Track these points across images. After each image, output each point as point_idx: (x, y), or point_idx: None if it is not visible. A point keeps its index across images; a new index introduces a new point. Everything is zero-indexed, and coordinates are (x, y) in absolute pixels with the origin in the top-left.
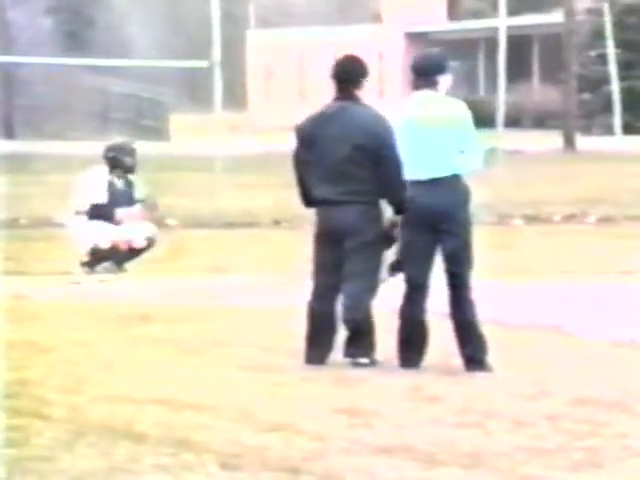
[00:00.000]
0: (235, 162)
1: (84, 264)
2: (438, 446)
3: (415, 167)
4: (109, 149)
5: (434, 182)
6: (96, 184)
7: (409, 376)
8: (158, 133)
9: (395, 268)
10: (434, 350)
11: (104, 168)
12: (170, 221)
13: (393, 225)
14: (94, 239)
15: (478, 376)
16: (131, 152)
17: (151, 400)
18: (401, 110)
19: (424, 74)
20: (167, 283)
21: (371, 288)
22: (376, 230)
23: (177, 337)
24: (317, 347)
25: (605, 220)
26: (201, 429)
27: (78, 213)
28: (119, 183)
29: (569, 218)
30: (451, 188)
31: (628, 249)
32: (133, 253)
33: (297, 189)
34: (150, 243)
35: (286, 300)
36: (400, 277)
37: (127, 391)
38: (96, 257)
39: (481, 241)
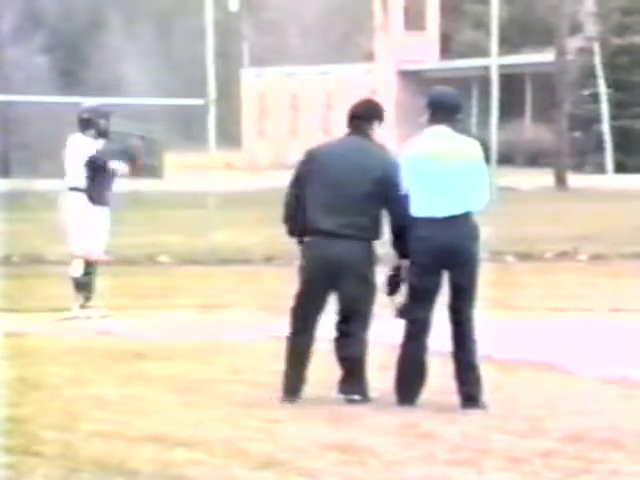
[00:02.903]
0: (228, 199)
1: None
2: None
3: (430, 204)
4: (84, 110)
5: (449, 220)
6: (82, 143)
7: (403, 413)
8: (152, 171)
9: (403, 312)
10: (430, 387)
11: (78, 134)
12: (163, 258)
13: (398, 269)
14: (86, 248)
15: (472, 413)
16: (105, 115)
17: (144, 437)
18: (416, 145)
19: (440, 110)
20: (160, 319)
21: (367, 326)
22: (373, 267)
23: (171, 374)
24: (297, 381)
25: (597, 258)
26: (194, 465)
27: (72, 189)
28: (96, 144)
29: (561, 255)
30: (465, 225)
31: (619, 287)
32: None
33: (286, 214)
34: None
35: (278, 336)
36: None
37: (120, 428)
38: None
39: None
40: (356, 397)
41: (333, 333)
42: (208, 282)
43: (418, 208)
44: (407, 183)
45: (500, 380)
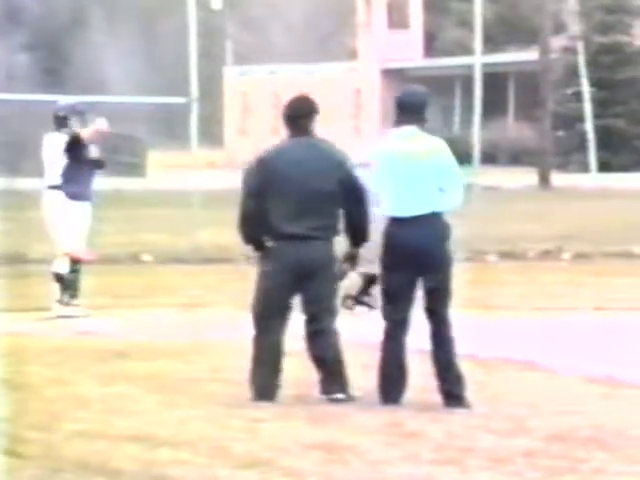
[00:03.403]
0: (211, 198)
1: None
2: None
3: (397, 204)
4: (59, 109)
5: (417, 219)
6: (56, 141)
7: (387, 412)
8: (135, 169)
9: (358, 301)
10: (414, 386)
11: (54, 132)
12: (146, 257)
13: (351, 257)
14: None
15: (456, 412)
16: (81, 113)
17: (127, 436)
18: (383, 145)
19: (409, 110)
20: (143, 319)
21: (336, 323)
22: (335, 264)
23: (153, 373)
24: (268, 380)
25: (580, 257)
26: (177, 465)
27: (51, 187)
28: (69, 138)
29: (544, 254)
30: (433, 225)
31: (603, 285)
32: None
33: (242, 223)
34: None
35: None
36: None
37: (102, 427)
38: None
39: (456, 276)
40: (339, 396)
41: (303, 332)
42: (190, 281)
43: (387, 208)
44: (376, 183)
45: (483, 379)
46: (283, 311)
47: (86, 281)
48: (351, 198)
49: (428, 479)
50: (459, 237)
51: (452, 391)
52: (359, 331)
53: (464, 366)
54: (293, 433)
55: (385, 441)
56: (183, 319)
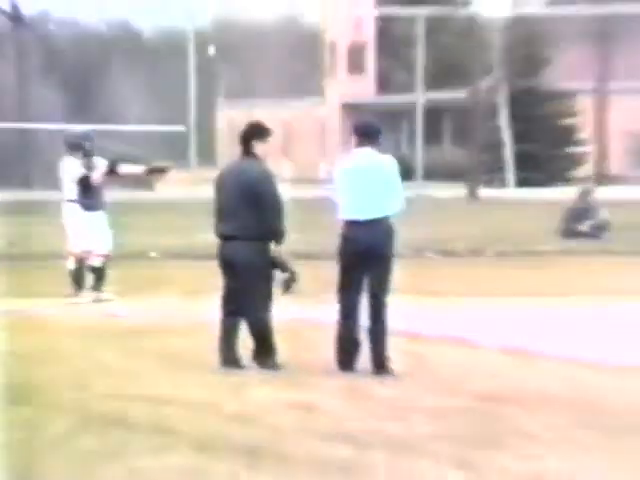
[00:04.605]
0: (207, 207)
1: (74, 280)
2: (372, 434)
3: (354, 209)
4: (72, 135)
5: (369, 222)
6: (68, 165)
7: (347, 379)
8: (145, 183)
9: (288, 286)
10: (364, 357)
11: (69, 157)
12: (153, 254)
13: (276, 254)
14: (84, 244)
15: (401, 379)
16: (90, 138)
17: (141, 397)
18: (346, 162)
19: (366, 135)
20: (152, 304)
21: (266, 306)
22: (262, 260)
23: (162, 347)
24: (229, 352)
25: (502, 254)
26: (180, 420)
27: (69, 201)
28: (84, 162)
29: (472, 252)
30: (381, 227)
31: (520, 277)
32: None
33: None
34: (106, 260)
35: None
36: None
37: (122, 390)
38: (76, 276)
39: (401, 270)
40: (267, 363)
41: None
42: (190, 274)
43: (346, 212)
44: (339, 192)
45: (422, 352)
46: (233, 297)
47: (110, 273)
48: (263, 206)
49: (381, 431)
50: (404, 238)
51: (380, 361)
52: (322, 312)
53: (406, 342)
54: (274, 394)
55: (347, 401)
56: (184, 304)
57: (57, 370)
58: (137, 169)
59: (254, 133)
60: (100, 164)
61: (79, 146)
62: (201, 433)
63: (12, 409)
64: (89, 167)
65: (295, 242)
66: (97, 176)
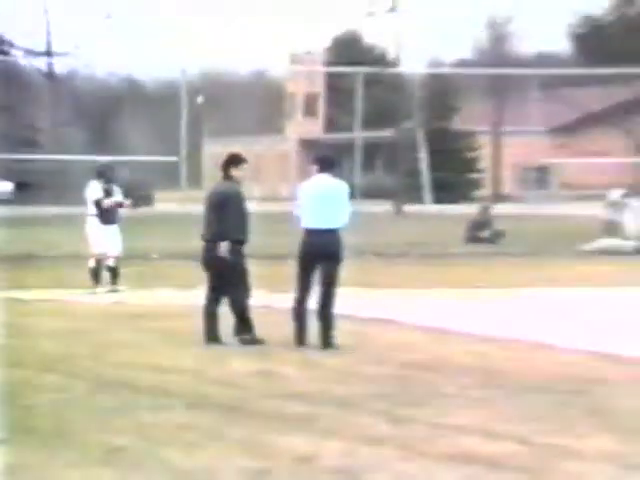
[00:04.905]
0: (195, 219)
1: (92, 277)
2: (321, 394)
3: (315, 220)
4: (100, 165)
5: (325, 231)
6: (92, 189)
7: (301, 352)
8: (147, 200)
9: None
10: (315, 335)
11: (94, 182)
12: (154, 255)
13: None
14: (102, 247)
15: (343, 351)
16: (112, 168)
17: (146, 366)
18: (308, 185)
19: (324, 164)
20: (154, 294)
21: (243, 290)
22: (235, 256)
23: (162, 327)
24: (211, 332)
25: (422, 256)
26: (174, 384)
27: (92, 215)
28: (105, 187)
29: (400, 254)
30: (333, 235)
31: (435, 273)
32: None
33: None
34: (117, 260)
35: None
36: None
37: (130, 360)
38: (94, 273)
39: (346, 267)
40: (245, 336)
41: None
42: (183, 271)
43: (307, 222)
44: (302, 206)
45: (360, 330)
46: (215, 288)
47: (122, 270)
48: (233, 216)
49: (328, 392)
50: (349, 243)
51: (326, 338)
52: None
53: (348, 323)
54: (244, 364)
55: (300, 369)
56: (178, 294)
57: (78, 344)
58: (124, 203)
59: (232, 161)
60: (116, 191)
61: (103, 174)
62: (190, 394)
63: (42, 376)
64: (107, 192)
65: (264, 246)
66: (107, 202)
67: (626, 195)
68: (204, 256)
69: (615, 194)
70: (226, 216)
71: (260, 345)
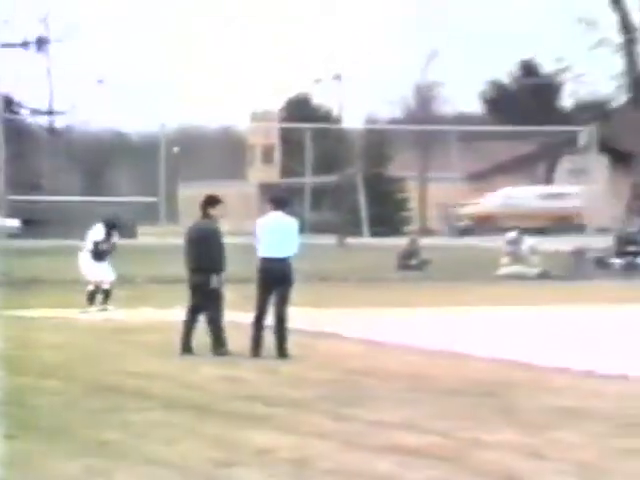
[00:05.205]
0: (172, 249)
1: (89, 298)
2: (278, 395)
3: (270, 250)
4: (110, 214)
5: (281, 259)
6: (96, 231)
7: (260, 361)
8: (131, 233)
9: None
10: (270, 346)
11: (99, 225)
12: (138, 279)
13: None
14: (98, 276)
15: (295, 360)
16: (115, 218)
17: (131, 372)
18: (264, 221)
19: (278, 204)
20: (138, 312)
21: (218, 312)
22: (215, 282)
23: (145, 340)
24: (186, 344)
25: (360, 280)
26: (154, 388)
27: (88, 251)
28: (106, 230)
29: (342, 279)
30: (285, 263)
31: (371, 294)
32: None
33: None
34: (111, 284)
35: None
36: None
37: (118, 367)
38: (91, 295)
39: (295, 290)
40: (220, 350)
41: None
42: (162, 293)
43: (263, 252)
44: (259, 238)
45: (308, 343)
46: (197, 309)
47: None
48: (212, 249)
49: (284, 395)
50: (298, 269)
51: (281, 349)
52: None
53: (299, 336)
54: (210, 371)
55: (260, 375)
56: (158, 313)
57: (74, 354)
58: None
59: (209, 202)
60: (114, 235)
61: (109, 222)
62: (167, 397)
63: (43, 381)
64: (108, 235)
65: (232, 272)
66: (104, 246)
67: (520, 234)
68: (192, 281)
69: (512, 234)
70: (209, 249)
71: (226, 355)
